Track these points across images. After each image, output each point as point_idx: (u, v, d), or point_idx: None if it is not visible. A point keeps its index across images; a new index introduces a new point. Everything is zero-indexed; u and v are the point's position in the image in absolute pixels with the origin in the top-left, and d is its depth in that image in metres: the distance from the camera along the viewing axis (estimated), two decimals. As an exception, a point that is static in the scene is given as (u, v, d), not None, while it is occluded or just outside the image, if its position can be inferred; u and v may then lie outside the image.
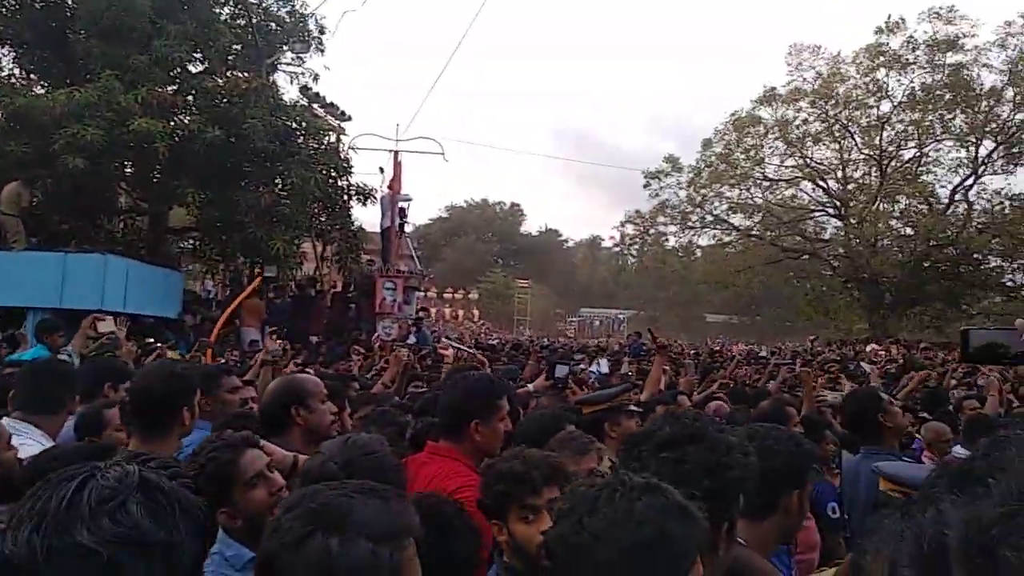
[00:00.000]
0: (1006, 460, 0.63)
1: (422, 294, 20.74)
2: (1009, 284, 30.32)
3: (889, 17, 29.15)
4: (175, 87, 14.48)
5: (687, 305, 51.68)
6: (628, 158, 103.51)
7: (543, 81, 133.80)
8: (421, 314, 16.56)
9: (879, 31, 29.25)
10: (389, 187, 16.69)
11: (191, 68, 15.21)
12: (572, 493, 1.27)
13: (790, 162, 32.24)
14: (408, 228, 20.21)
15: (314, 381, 3.10)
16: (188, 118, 14.11)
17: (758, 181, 32.51)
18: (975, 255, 29.01)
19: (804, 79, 30.84)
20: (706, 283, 36.00)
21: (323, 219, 15.50)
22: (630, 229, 36.79)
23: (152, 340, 9.53)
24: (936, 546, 0.61)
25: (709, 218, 33.56)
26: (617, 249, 44.47)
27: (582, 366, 9.17)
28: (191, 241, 16.72)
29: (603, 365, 12.59)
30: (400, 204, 16.81)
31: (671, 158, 33.86)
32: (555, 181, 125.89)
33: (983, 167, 29.19)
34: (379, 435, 2.42)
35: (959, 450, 4.22)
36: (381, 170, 17.45)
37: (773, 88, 31.53)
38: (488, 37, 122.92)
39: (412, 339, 15.65)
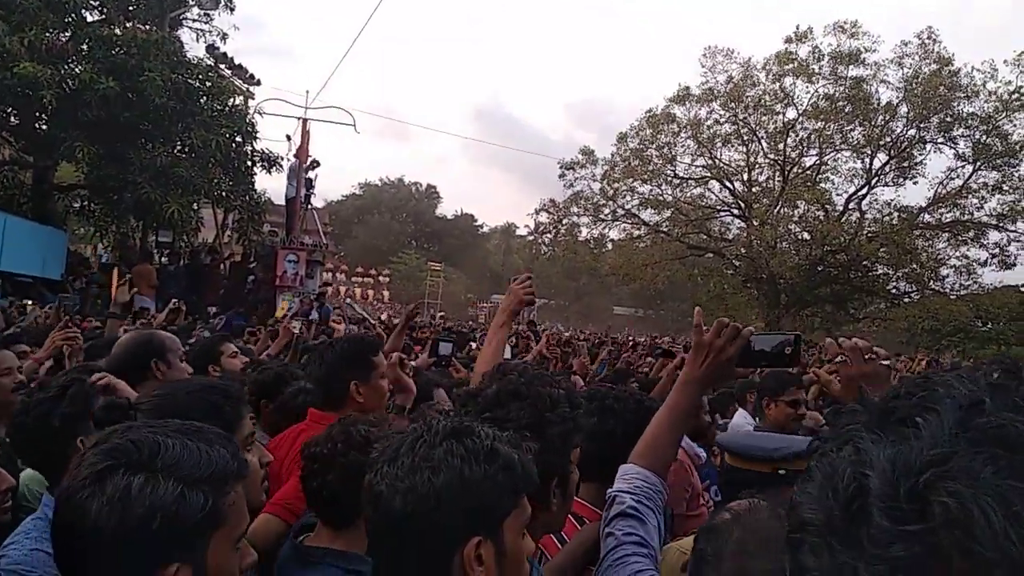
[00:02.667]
0: (936, 399, 0.57)
1: (329, 273, 20.21)
2: (894, 291, 32.36)
3: (798, 27, 30.46)
4: (68, 34, 13.53)
5: (595, 296, 52.74)
6: (548, 146, 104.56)
7: (467, 61, 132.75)
8: (324, 289, 16.16)
9: (788, 40, 30.48)
10: (296, 156, 16.14)
11: (87, 15, 14.23)
12: (385, 442, 1.20)
13: (700, 162, 33.25)
14: (318, 203, 19.68)
15: (172, 338, 3.00)
16: (80, 67, 13.20)
17: (669, 178, 33.36)
18: (864, 262, 30.74)
19: (717, 81, 31.86)
20: (614, 275, 36.75)
21: (224, 185, 14.86)
22: (544, 218, 37.21)
23: (31, 301, 8.94)
24: (854, 489, 0.54)
25: (621, 212, 34.24)
26: (531, 237, 44.83)
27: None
28: (79, 200, 15.70)
29: (506, 351, 12.58)
30: (307, 175, 16.30)
31: (586, 150, 34.38)
32: (473, 165, 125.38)
33: (876, 179, 30.99)
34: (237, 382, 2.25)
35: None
36: (288, 138, 16.87)
37: (687, 88, 32.42)
38: (412, 10, 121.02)
39: (314, 315, 15.32)
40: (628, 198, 33.87)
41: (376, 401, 2.70)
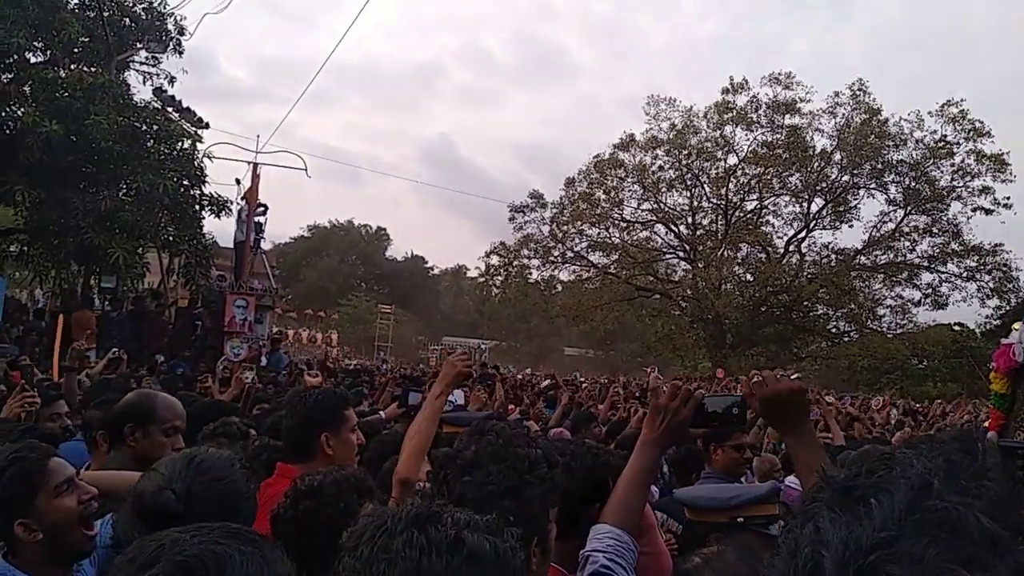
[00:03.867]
0: (890, 480, 0.59)
1: (277, 314, 19.90)
2: (834, 331, 33.42)
3: (732, 79, 31.79)
4: (10, 75, 13.28)
5: (546, 337, 52.94)
6: (499, 188, 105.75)
7: (419, 104, 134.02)
8: (278, 335, 15.92)
9: (726, 90, 31.74)
10: (245, 199, 16.01)
11: (30, 57, 14.01)
12: (353, 528, 1.14)
13: (646, 206, 34.12)
14: (266, 245, 19.46)
15: (168, 406, 2.81)
16: (23, 109, 12.93)
17: (616, 222, 34.12)
18: (805, 302, 31.77)
19: (660, 128, 32.91)
20: (565, 317, 37.09)
21: (171, 229, 14.61)
22: (495, 260, 37.48)
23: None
24: (811, 565, 0.57)
25: (570, 254, 34.77)
26: (482, 279, 45.01)
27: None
28: (18, 244, 15.23)
29: (458, 396, 12.32)
30: (257, 219, 16.17)
31: (536, 193, 34.93)
32: (424, 207, 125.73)
33: (814, 222, 32.24)
34: (228, 453, 2.05)
35: (792, 480, 4.34)
36: (238, 181, 16.74)
37: (632, 135, 33.41)
38: (362, 56, 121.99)
39: (264, 361, 15.03)
40: (577, 241, 34.48)
41: (346, 454, 2.71)
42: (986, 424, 2.05)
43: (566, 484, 1.67)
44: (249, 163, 16.55)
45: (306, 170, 17.72)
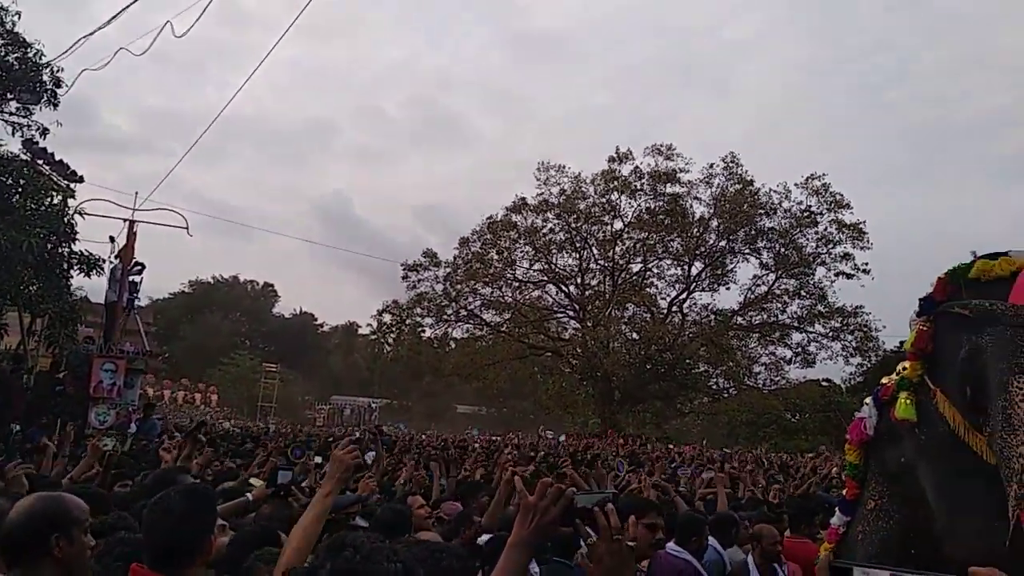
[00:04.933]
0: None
1: (151, 376, 18.77)
2: (714, 387, 34.92)
3: (618, 148, 33.41)
4: None
5: (439, 395, 52.39)
6: (393, 248, 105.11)
7: (311, 163, 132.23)
8: (152, 401, 14.97)
9: (612, 159, 33.29)
10: (119, 258, 15.13)
11: None
12: None
13: (537, 266, 34.84)
14: (142, 302, 18.43)
15: (78, 504, 2.55)
16: None
17: (509, 281, 34.60)
18: (687, 360, 33.09)
19: (551, 193, 33.95)
20: (458, 375, 36.95)
21: (34, 287, 13.60)
22: (387, 318, 37.12)
23: None
24: None
25: (463, 312, 34.84)
26: (374, 337, 44.28)
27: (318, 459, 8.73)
28: None
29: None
30: (131, 278, 15.30)
31: (429, 252, 34.98)
32: (314, 264, 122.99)
33: (694, 284, 33.88)
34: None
35: (672, 547, 4.35)
36: (112, 239, 15.81)
37: (524, 198, 34.28)
38: (255, 110, 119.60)
39: (132, 427, 14.04)
40: (471, 299, 34.64)
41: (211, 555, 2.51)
42: (844, 492, 2.21)
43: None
44: (125, 220, 15.73)
45: (187, 228, 17.01)
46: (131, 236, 15.38)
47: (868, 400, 2.14)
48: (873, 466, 2.04)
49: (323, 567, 1.48)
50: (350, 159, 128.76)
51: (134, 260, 15.54)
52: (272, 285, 71.47)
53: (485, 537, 3.39)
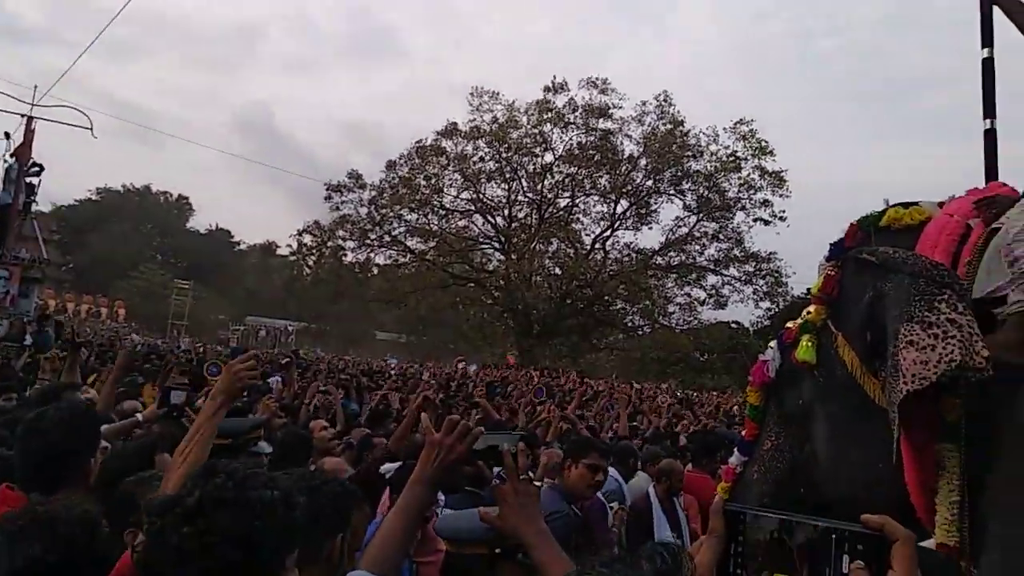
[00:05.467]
0: None
1: (50, 287, 17.80)
2: (630, 324, 35.88)
3: (555, 78, 32.96)
4: None
5: (358, 321, 52.00)
6: (318, 165, 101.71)
7: (232, 67, 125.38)
8: (49, 313, 14.21)
9: (547, 89, 32.84)
10: (15, 156, 14.00)
11: None
12: None
13: (465, 195, 34.48)
14: (43, 208, 17.31)
15: None
16: None
17: (436, 209, 34.15)
18: (606, 297, 33.76)
19: (483, 120, 33.36)
20: (379, 300, 36.64)
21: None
22: (308, 239, 36.21)
23: None
24: None
25: (387, 238, 34.32)
26: (293, 258, 43.22)
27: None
28: None
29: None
30: (28, 179, 14.26)
31: (355, 174, 34.06)
32: (233, 177, 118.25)
33: (619, 223, 34.28)
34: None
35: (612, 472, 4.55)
36: (7, 135, 14.59)
37: (455, 123, 33.58)
38: (174, 7, 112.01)
39: (28, 340, 13.36)
40: (395, 225, 34.12)
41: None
42: (742, 432, 2.26)
43: (307, 522, 1.56)
44: (23, 116, 14.52)
45: (91, 129, 15.85)
46: (29, 133, 14.27)
47: (772, 343, 2.16)
48: (772, 408, 2.07)
49: (191, 495, 1.38)
50: (275, 68, 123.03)
51: (32, 160, 14.45)
52: (187, 198, 68.56)
53: (389, 466, 3.35)
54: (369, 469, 3.46)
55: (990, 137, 2.24)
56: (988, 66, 2.31)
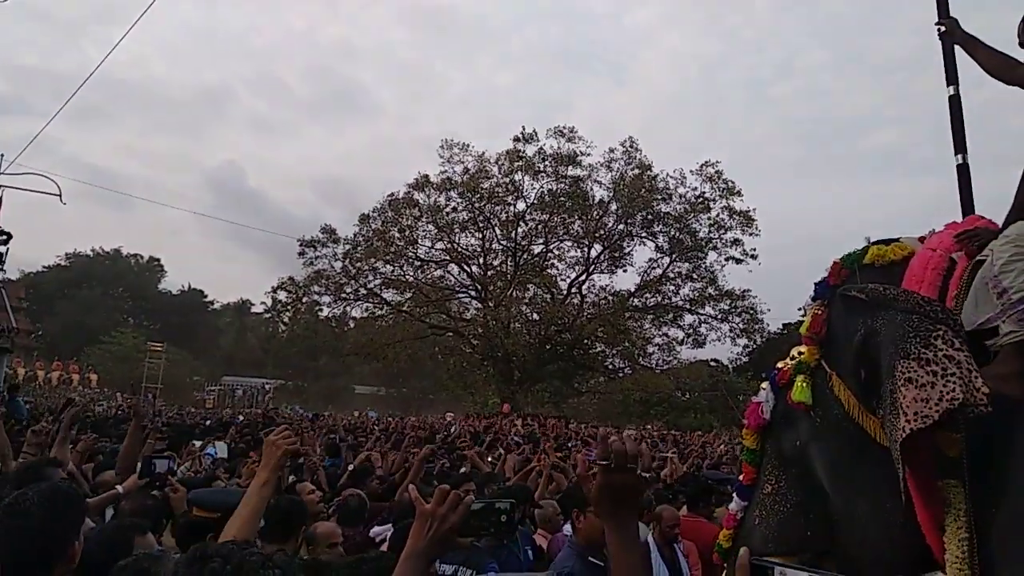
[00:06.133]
0: None
1: (18, 357, 17.41)
2: (610, 367, 35.86)
3: (524, 128, 33.51)
4: None
5: (336, 376, 51.36)
6: (291, 223, 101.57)
7: (202, 132, 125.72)
8: (17, 382, 13.86)
9: (517, 139, 33.35)
10: (-18, 227, 13.89)
11: None
12: None
13: (439, 245, 34.61)
14: (12, 275, 17.03)
15: None
16: None
17: (411, 260, 34.19)
18: (585, 340, 33.76)
19: (454, 171, 33.72)
20: (357, 354, 36.31)
21: None
22: (283, 296, 35.89)
23: None
24: None
25: (363, 291, 34.19)
26: (268, 315, 42.80)
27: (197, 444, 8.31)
28: None
29: (220, 448, 9.63)
30: (-4, 249, 14.11)
31: (328, 228, 34.07)
32: (205, 238, 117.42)
33: (593, 266, 34.56)
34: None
35: (567, 529, 4.38)
36: (-26, 206, 14.50)
37: (427, 176, 33.89)
38: (142, 74, 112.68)
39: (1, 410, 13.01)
40: (370, 277, 34.04)
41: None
42: (740, 477, 2.23)
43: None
44: (-11, 185, 14.43)
45: (60, 196, 15.76)
46: (-4, 203, 14.15)
47: (765, 384, 2.15)
48: (769, 450, 2.06)
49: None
50: (245, 128, 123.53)
51: (-1, 229, 14.31)
52: (158, 259, 67.89)
53: (379, 529, 3.25)
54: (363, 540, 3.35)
55: (963, 172, 2.29)
56: (955, 103, 2.37)
